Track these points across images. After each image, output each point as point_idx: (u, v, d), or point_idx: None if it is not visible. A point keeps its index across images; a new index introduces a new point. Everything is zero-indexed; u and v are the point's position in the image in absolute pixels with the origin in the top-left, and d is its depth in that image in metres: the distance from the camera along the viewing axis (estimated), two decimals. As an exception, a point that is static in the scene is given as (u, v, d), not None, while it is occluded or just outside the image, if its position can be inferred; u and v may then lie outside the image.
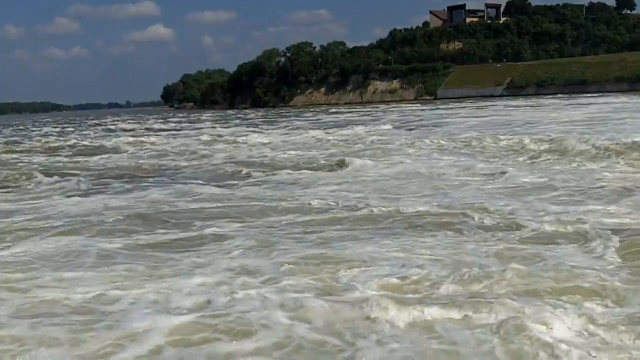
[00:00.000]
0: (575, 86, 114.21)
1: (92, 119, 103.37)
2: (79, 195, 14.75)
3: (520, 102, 77.77)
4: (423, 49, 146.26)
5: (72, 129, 62.20)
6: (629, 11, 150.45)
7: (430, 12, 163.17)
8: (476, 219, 10.20)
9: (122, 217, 11.42)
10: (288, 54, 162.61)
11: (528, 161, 18.64)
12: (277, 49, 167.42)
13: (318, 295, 6.60)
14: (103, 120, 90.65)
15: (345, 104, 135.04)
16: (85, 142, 34.87)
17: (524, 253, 8.15)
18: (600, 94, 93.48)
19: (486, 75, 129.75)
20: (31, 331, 5.91)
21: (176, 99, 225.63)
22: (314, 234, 9.71)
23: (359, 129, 35.58)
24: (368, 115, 64.16)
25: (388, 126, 38.90)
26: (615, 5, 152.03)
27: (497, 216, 10.32)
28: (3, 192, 16.02)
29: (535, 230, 9.34)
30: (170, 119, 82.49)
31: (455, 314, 6.04)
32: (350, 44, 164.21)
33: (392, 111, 70.34)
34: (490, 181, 14.69)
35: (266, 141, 30.67)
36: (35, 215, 12.02)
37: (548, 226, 9.48)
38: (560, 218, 9.85)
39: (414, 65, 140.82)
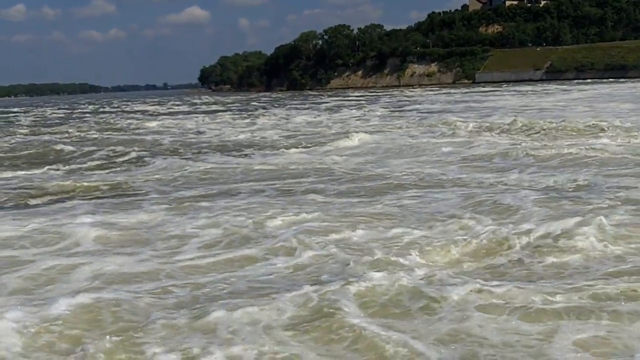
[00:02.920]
0: (616, 71, 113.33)
1: (125, 100, 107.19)
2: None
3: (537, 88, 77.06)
4: (461, 33, 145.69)
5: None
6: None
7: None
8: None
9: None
10: (325, 37, 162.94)
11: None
12: (314, 31, 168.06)
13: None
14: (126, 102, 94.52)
15: (383, 87, 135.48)
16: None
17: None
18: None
19: (525, 59, 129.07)
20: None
21: (213, 81, 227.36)
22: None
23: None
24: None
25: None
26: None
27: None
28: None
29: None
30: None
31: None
32: (386, 27, 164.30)
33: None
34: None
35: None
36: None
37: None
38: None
39: (452, 49, 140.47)
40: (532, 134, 21.89)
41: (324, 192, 12.24)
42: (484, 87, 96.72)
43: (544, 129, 22.40)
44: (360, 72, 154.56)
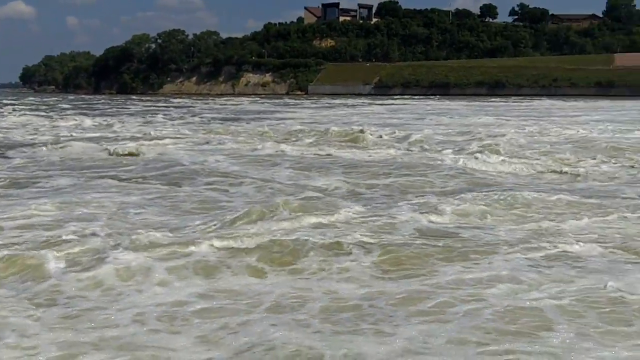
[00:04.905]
0: (439, 88, 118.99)
1: None
2: None
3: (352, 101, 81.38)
4: (296, 44, 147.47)
5: None
6: (491, 19, 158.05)
7: (305, 8, 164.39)
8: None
9: None
10: (159, 41, 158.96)
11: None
12: (148, 34, 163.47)
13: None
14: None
15: (217, 95, 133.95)
16: None
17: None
18: (462, 96, 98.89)
19: (356, 74, 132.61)
20: None
21: (36, 81, 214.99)
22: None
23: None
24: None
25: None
26: (479, 13, 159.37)
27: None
28: None
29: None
30: None
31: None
32: (223, 35, 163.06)
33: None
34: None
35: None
36: None
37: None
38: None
39: (287, 60, 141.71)
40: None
41: None
42: (306, 99, 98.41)
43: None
44: (194, 78, 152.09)
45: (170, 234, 9.43)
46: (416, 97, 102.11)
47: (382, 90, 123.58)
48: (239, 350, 5.81)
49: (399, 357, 5.69)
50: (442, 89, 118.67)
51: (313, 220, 10.57)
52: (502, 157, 19.35)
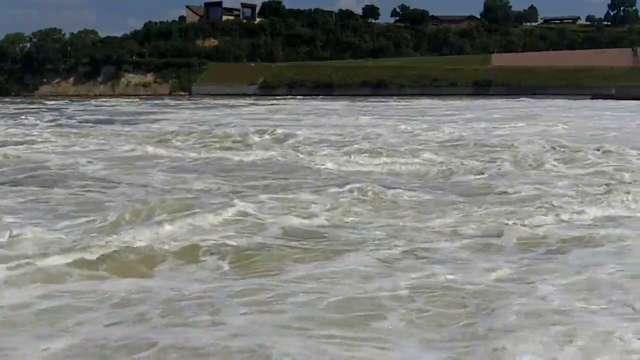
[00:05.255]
0: (324, 88, 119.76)
1: None
2: None
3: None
4: (178, 44, 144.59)
5: None
6: (373, 20, 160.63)
7: (187, 7, 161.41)
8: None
9: None
10: (34, 40, 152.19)
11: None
12: (22, 33, 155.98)
13: None
14: None
15: (96, 96, 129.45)
16: None
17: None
18: (344, 96, 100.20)
19: (240, 74, 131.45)
20: None
21: None
22: None
23: None
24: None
25: None
26: (362, 14, 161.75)
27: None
28: None
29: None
30: None
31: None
32: (101, 34, 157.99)
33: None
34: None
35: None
36: None
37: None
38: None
39: (169, 60, 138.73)
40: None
41: None
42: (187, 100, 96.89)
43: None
44: (72, 79, 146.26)
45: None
46: (299, 97, 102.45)
47: (268, 90, 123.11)
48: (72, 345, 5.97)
49: (225, 341, 5.98)
50: (327, 89, 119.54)
51: (180, 223, 10.52)
52: (374, 157, 19.45)
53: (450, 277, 7.83)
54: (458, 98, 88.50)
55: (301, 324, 6.40)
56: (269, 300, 7.08)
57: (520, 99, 79.59)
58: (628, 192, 12.70)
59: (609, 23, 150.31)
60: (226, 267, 8.44)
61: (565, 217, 11.09)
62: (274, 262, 8.63)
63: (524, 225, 10.53)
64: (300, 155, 20.52)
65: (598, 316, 6.56)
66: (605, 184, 14.16)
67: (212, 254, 8.90)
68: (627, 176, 15.60)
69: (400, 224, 10.82)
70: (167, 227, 10.15)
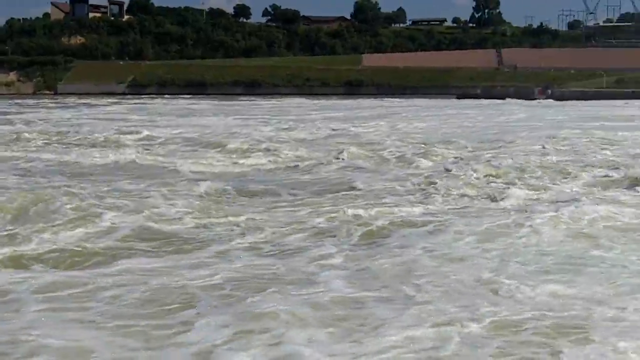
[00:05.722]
0: (195, 87, 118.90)
1: None
2: None
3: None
4: (43, 41, 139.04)
5: None
6: (245, 19, 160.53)
7: (52, 3, 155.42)
8: None
9: None
10: None
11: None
12: None
13: None
14: None
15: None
16: None
17: None
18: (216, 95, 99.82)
19: (109, 72, 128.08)
20: None
21: None
22: None
23: None
24: None
25: None
26: (233, 13, 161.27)
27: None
28: None
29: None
30: None
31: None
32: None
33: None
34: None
35: None
36: None
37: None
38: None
39: (33, 58, 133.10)
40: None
41: None
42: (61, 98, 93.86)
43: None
44: None
45: None
46: (167, 96, 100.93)
47: (137, 89, 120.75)
48: None
49: (11, 335, 6.32)
50: (199, 88, 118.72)
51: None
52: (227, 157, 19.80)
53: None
54: (329, 98, 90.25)
55: (100, 317, 6.89)
56: (81, 294, 7.53)
57: (385, 98, 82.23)
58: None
59: (474, 25, 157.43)
60: (58, 268, 8.78)
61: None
62: (112, 258, 9.06)
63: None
64: (148, 157, 20.68)
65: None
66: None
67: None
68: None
69: (245, 218, 11.66)
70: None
